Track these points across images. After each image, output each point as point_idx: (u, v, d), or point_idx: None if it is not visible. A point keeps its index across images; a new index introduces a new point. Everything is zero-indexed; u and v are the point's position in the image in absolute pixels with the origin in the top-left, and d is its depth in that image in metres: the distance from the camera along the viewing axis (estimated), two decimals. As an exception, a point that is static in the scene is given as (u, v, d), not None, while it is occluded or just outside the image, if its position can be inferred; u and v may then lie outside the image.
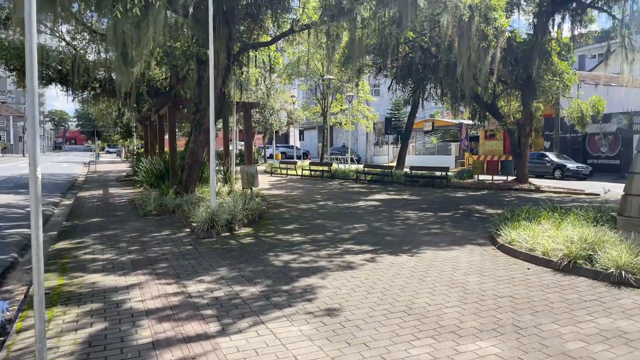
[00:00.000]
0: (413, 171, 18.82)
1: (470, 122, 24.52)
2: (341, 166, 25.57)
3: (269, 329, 4.00)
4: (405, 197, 14.45)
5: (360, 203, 12.88)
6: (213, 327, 4.06)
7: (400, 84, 19.55)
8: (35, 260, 2.74)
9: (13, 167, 33.08)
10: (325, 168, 22.47)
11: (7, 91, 69.59)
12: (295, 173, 23.87)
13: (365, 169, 20.89)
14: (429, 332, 3.98)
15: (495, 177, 19.68)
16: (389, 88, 21.11)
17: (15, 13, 9.48)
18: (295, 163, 25.97)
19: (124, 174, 24.86)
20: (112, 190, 16.60)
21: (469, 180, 19.36)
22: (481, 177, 20.14)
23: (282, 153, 42.67)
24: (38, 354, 2.68)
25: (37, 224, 2.73)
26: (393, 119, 36.80)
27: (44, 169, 32.43)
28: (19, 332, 4.10)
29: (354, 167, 24.12)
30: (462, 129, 30.43)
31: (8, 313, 5.08)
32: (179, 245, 7.49)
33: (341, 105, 31.90)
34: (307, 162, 28.80)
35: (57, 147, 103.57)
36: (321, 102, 31.61)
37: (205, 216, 8.40)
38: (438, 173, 18.20)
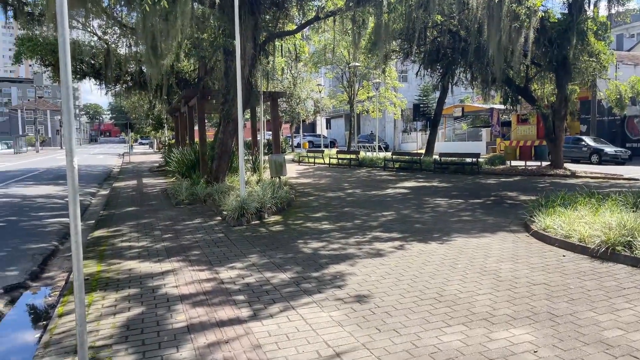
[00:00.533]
0: (442, 158, 18.51)
1: (502, 106, 23.86)
2: (369, 154, 25.39)
3: (300, 315, 4.05)
4: (434, 184, 14.26)
5: (389, 191, 12.79)
6: (245, 312, 4.14)
7: (429, 69, 19.17)
8: (75, 247, 2.85)
9: (51, 160, 34.40)
10: (353, 156, 22.38)
11: (43, 86, 72.05)
12: (323, 162, 23.89)
13: (393, 156, 20.69)
14: (461, 319, 3.94)
15: (529, 163, 19.13)
16: (416, 74, 20.73)
17: (48, 10, 9.78)
18: (322, 152, 25.96)
19: (156, 164, 25.48)
20: (145, 181, 17.05)
21: (501, 167, 18.91)
22: (513, 163, 19.64)
23: (309, 142, 42.72)
24: (79, 337, 2.80)
25: (75, 213, 2.84)
26: (421, 105, 36.19)
27: (81, 160, 33.61)
28: (60, 316, 4.29)
29: (381, 155, 23.93)
30: (493, 114, 29.65)
31: (50, 298, 5.33)
32: (211, 233, 7.64)
33: (368, 93, 31.58)
34: (334, 150, 28.73)
35: (92, 140, 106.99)
36: (348, 89, 31.38)
37: (236, 205, 8.53)
38: (468, 160, 17.85)
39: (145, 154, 42.61)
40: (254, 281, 5.04)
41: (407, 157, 20.67)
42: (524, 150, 21.92)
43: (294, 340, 3.55)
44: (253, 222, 8.41)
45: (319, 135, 45.56)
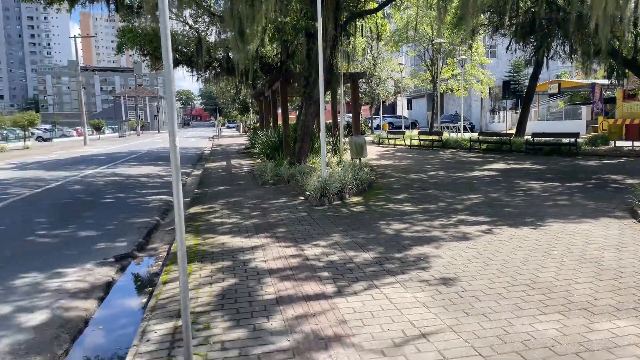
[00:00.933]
0: (536, 138, 17.25)
1: (606, 81, 21.59)
2: (453, 135, 24.41)
3: (384, 294, 4.07)
4: (526, 166, 13.38)
5: (475, 173, 12.24)
6: (330, 288, 4.25)
7: (521, 43, 17.80)
8: (178, 220, 3.09)
9: (151, 143, 37.44)
10: (436, 137, 21.66)
11: (142, 74, 78.18)
12: (404, 143, 23.43)
13: (480, 137, 19.68)
14: (557, 307, 3.71)
15: (636, 143, 17.22)
16: (507, 48, 19.39)
17: (146, 2, 10.52)
18: (403, 133, 25.45)
19: (243, 147, 26.69)
20: (233, 162, 17.97)
21: (604, 147, 17.22)
22: (618, 143, 17.79)
23: (390, 123, 42.00)
24: (182, 302, 3.06)
25: (177, 188, 3.07)
26: (512, 83, 33.86)
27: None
28: (164, 283, 4.72)
29: (467, 135, 22.89)
30: (595, 90, 26.92)
31: (154, 267, 5.87)
32: (295, 212, 7.89)
33: (452, 71, 30.17)
34: (415, 131, 28.02)
35: (185, 124, 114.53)
36: (430, 68, 30.25)
37: (318, 185, 8.70)
38: (566, 140, 16.47)
39: (232, 137, 44.76)
40: (338, 259, 5.13)
41: (495, 137, 19.54)
42: (631, 129, 19.72)
43: (379, 318, 3.58)
44: (335, 203, 8.54)
45: (400, 117, 44.59)
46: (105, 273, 5.36)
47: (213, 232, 6.70)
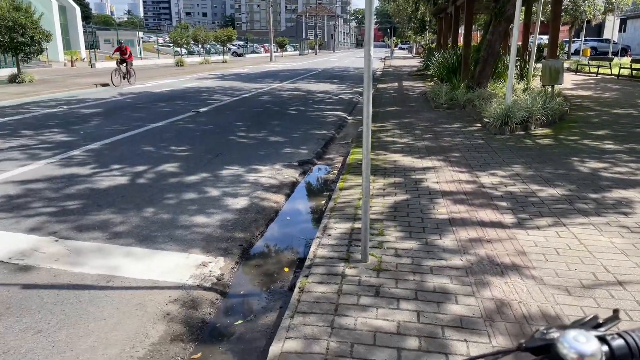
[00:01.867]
0: None
1: None
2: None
3: (572, 233, 3.70)
4: None
5: None
6: (508, 218, 4.04)
7: None
8: (365, 130, 3.19)
9: (326, 62, 38.85)
10: (656, 66, 17.60)
11: (322, -7, 79.32)
12: (609, 72, 19.68)
13: None
14: None
15: None
16: None
17: None
18: (610, 60, 21.28)
19: (415, 69, 25.82)
20: (405, 84, 17.62)
21: None
22: None
23: (592, 48, 35.41)
24: (363, 205, 3.26)
25: (368, 98, 3.13)
26: None
27: (349, 63, 36.82)
28: (341, 189, 5.07)
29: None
30: None
31: (330, 175, 6.32)
32: (470, 138, 7.49)
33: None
34: (626, 59, 23.12)
35: (359, 44, 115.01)
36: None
37: (499, 112, 8.02)
38: None
39: (404, 59, 43.53)
40: (518, 191, 4.79)
41: None
42: None
43: (565, 256, 3.30)
44: (517, 133, 7.81)
45: (607, 41, 37.10)
46: (290, 174, 5.99)
47: (385, 149, 6.83)
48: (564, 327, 0.60)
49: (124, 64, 17.23)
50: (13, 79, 17.14)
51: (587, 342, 0.56)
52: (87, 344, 2.52)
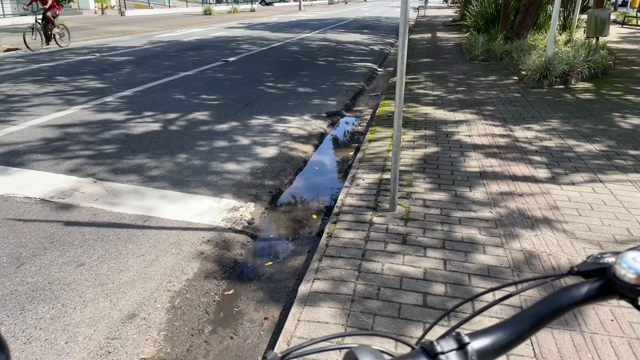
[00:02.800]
0: None
1: None
2: None
3: (608, 189, 3.59)
4: None
5: None
6: (542, 173, 3.95)
7: None
8: (399, 77, 3.11)
9: (357, 11, 37.43)
10: None
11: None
12: (662, 24, 18.33)
13: None
14: None
15: None
16: None
17: None
18: (664, 11, 19.73)
19: (450, 19, 24.65)
20: (439, 35, 16.90)
21: None
22: None
23: (644, -2, 32.80)
24: (393, 155, 3.23)
25: (403, 43, 3.02)
26: None
27: (381, 12, 35.44)
28: (370, 141, 5.03)
29: None
30: None
31: (359, 127, 6.25)
32: (506, 91, 7.22)
33: None
34: (683, 10, 21.37)
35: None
36: None
37: (539, 64, 7.65)
38: None
39: (439, 9, 41.46)
40: (554, 145, 4.64)
41: None
42: None
43: (599, 212, 3.23)
44: (556, 86, 7.48)
45: (662, -10, 34.23)
46: (319, 125, 5.96)
47: (416, 101, 6.67)
48: (618, 253, 0.59)
49: (46, 20, 12.43)
50: (45, 26, 17.24)
51: None
52: (127, 277, 2.67)
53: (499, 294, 2.19)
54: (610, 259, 0.59)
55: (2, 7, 20.52)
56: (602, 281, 0.58)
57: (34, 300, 2.47)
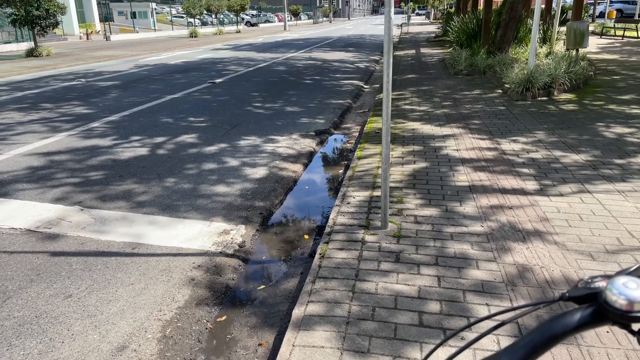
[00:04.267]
0: None
1: None
2: None
3: (596, 199, 3.63)
4: None
5: None
6: (530, 185, 3.98)
7: None
8: (385, 95, 3.13)
9: (341, 29, 38.01)
10: (688, 27, 16.77)
11: (336, -42, 76.82)
12: (636, 35, 18.87)
13: None
14: None
15: None
16: None
17: None
18: (636, 22, 20.33)
19: (433, 35, 25.12)
20: (423, 50, 17.19)
21: None
22: None
23: (617, 10, 33.79)
24: (383, 172, 3.23)
25: (388, 62, 3.05)
26: None
27: (364, 30, 36.00)
28: (359, 158, 5.04)
29: None
30: None
31: (348, 144, 6.28)
32: (491, 104, 7.33)
33: None
34: (657, 20, 21.99)
35: (374, 11, 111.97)
36: None
37: (521, 77, 7.79)
38: None
39: (422, 25, 42.30)
40: (541, 157, 4.70)
41: None
42: None
43: (588, 222, 3.25)
44: (539, 98, 7.61)
45: (633, 2, 35.37)
46: (307, 144, 5.97)
47: (403, 117, 6.73)
48: (609, 277, 0.59)
49: None
50: (30, 53, 17.26)
51: (638, 288, 0.55)
52: (116, 308, 2.61)
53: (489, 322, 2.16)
54: (601, 284, 0.59)
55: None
56: (593, 307, 0.58)
57: (21, 335, 2.39)
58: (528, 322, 2.22)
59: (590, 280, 0.60)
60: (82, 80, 11.60)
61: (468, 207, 3.57)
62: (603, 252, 2.85)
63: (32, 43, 17.84)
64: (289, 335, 2.24)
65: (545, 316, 2.24)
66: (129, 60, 16.17)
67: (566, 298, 0.60)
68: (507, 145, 5.17)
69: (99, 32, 32.39)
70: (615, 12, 33.37)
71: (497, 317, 2.02)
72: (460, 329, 0.68)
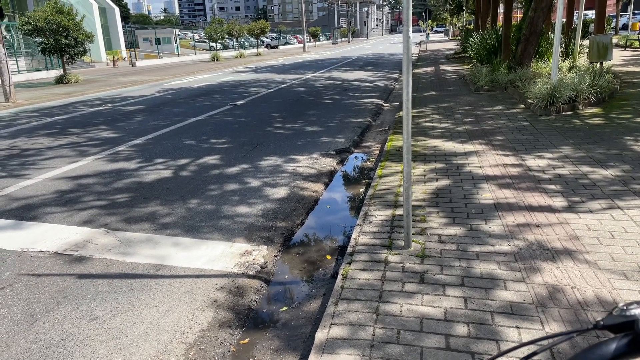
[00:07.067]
0: None
1: None
2: None
3: (628, 216, 3.50)
4: None
5: None
6: (558, 202, 3.87)
7: None
8: (405, 113, 3.11)
9: (360, 49, 38.41)
10: None
11: (354, -20, 78.20)
12: (664, 45, 18.45)
13: None
14: None
15: None
16: None
17: None
18: (665, 32, 19.91)
19: (452, 52, 25.12)
20: (442, 67, 17.17)
21: None
22: None
23: (643, 21, 33.21)
24: (405, 190, 3.20)
25: (407, 80, 3.05)
26: None
27: (383, 49, 36.27)
28: (380, 177, 5.01)
29: None
30: None
31: (368, 163, 6.26)
32: (514, 120, 7.22)
33: None
34: (684, 30, 21.51)
35: (392, 30, 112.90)
36: None
37: (544, 92, 7.68)
38: None
39: (440, 42, 42.41)
40: (568, 173, 4.58)
41: None
42: None
43: (620, 240, 3.13)
44: (564, 113, 7.47)
45: (661, 12, 34.73)
46: (328, 163, 5.98)
47: (424, 135, 6.69)
48: None
49: None
50: (60, 80, 17.95)
51: None
52: (141, 330, 2.62)
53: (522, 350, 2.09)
54: (637, 311, 0.56)
55: (17, 64, 21.40)
56: (630, 337, 0.55)
57: (47, 358, 2.42)
58: (561, 346, 2.13)
59: (625, 308, 0.57)
60: (109, 105, 11.97)
61: (494, 226, 3.49)
62: (637, 270, 2.73)
63: (62, 70, 18.55)
64: (312, 359, 2.20)
65: (579, 341, 2.14)
66: (154, 85, 16.64)
67: (600, 326, 0.57)
68: (532, 161, 5.07)
69: (125, 58, 33.54)
70: (639, 24, 32.85)
71: (528, 347, 1.95)
72: (490, 359, 0.66)
